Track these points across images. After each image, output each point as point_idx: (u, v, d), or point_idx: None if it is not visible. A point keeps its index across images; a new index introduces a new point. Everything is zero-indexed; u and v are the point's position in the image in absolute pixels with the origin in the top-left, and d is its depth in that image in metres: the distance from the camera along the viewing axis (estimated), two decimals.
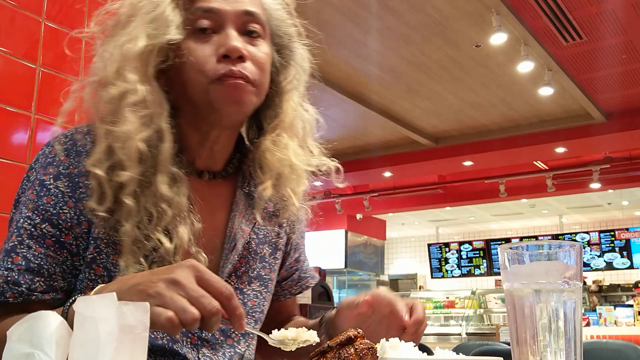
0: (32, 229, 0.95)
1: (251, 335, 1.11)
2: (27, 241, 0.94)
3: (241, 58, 0.99)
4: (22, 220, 0.96)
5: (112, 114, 0.96)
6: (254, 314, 1.11)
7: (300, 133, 1.13)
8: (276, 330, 0.87)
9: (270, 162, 1.09)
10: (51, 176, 0.97)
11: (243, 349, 1.09)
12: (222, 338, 1.05)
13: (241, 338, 1.09)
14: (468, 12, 5.35)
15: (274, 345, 0.87)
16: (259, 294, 1.12)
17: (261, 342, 1.21)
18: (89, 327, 0.59)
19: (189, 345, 1.02)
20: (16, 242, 0.95)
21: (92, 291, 0.83)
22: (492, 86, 6.99)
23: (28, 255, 0.94)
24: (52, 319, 0.63)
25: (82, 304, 0.61)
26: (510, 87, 6.98)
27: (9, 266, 0.93)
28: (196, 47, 0.99)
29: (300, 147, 1.12)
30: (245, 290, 1.10)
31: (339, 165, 1.16)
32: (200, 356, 1.02)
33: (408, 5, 5.23)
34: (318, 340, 0.86)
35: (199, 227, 1.02)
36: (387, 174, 9.88)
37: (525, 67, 6.02)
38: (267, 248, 1.15)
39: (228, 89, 0.98)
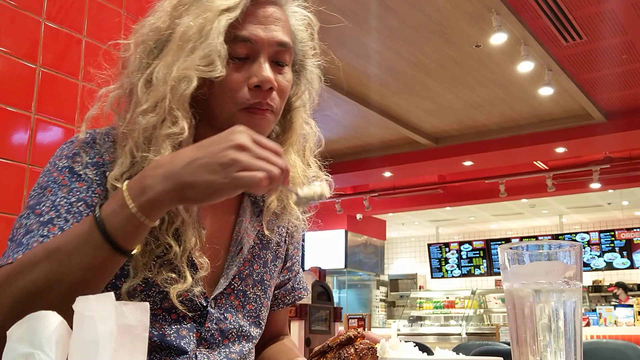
0: (69, 206, 0.97)
1: (245, 338, 1.13)
2: (64, 215, 0.96)
3: (271, 89, 1.03)
4: (58, 199, 0.97)
5: (147, 141, 0.98)
6: (249, 318, 1.14)
7: (302, 148, 1.18)
8: None
9: None
10: (80, 164, 1.01)
11: (237, 350, 1.11)
12: (219, 338, 1.07)
13: (236, 339, 1.11)
14: (468, 12, 5.35)
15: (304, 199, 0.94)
16: (257, 299, 1.16)
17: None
18: (88, 327, 0.59)
19: (195, 342, 1.04)
20: (53, 216, 0.96)
21: (124, 183, 0.87)
22: (492, 86, 6.99)
23: (65, 227, 0.95)
24: (52, 319, 0.63)
25: (80, 304, 0.61)
26: (510, 87, 6.98)
27: (45, 233, 0.94)
28: (230, 74, 1.01)
29: (300, 161, 1.17)
30: (247, 292, 1.13)
31: (332, 180, 1.22)
32: (197, 353, 1.04)
33: (408, 5, 5.23)
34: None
35: (203, 233, 1.05)
36: (387, 174, 9.88)
37: (525, 67, 6.03)
38: (269, 254, 1.19)
39: (254, 120, 1.02)
